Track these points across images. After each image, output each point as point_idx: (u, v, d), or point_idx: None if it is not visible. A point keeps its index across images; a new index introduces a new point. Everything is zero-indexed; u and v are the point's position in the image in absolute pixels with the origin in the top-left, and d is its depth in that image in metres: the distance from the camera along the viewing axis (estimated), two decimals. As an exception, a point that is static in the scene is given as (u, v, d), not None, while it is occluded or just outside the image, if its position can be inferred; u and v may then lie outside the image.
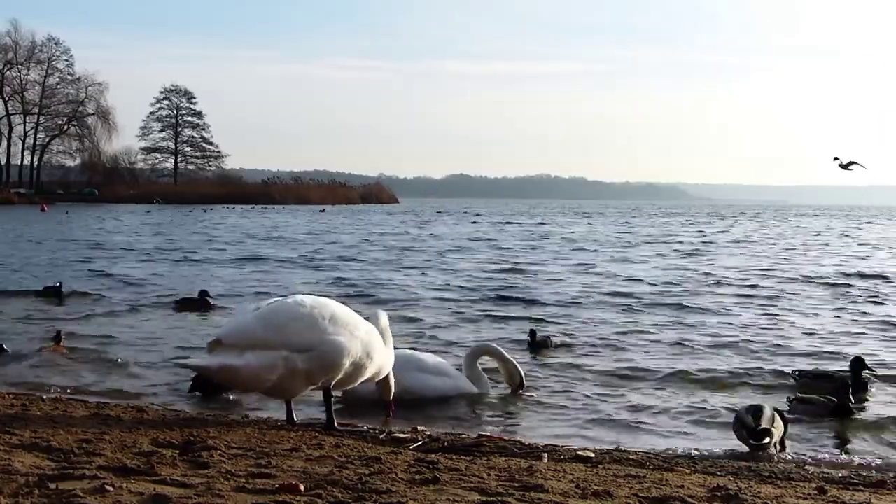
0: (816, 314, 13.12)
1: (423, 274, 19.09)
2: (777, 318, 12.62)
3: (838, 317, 12.89)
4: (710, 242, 33.85)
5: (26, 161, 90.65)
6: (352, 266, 20.95)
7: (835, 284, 17.43)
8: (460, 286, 16.43)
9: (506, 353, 7.71)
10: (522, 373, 7.65)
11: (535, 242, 32.34)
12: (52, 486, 3.84)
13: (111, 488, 3.82)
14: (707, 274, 19.44)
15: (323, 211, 72.10)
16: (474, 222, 54.69)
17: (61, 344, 9.33)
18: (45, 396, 6.84)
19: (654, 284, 17.17)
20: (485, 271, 19.70)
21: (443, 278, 18.01)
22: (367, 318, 6.13)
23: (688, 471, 5.20)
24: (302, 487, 4.00)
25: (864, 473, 5.48)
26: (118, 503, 3.67)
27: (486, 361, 7.79)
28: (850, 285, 17.25)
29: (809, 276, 18.87)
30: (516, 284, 16.85)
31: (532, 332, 9.92)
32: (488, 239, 34.52)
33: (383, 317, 6.29)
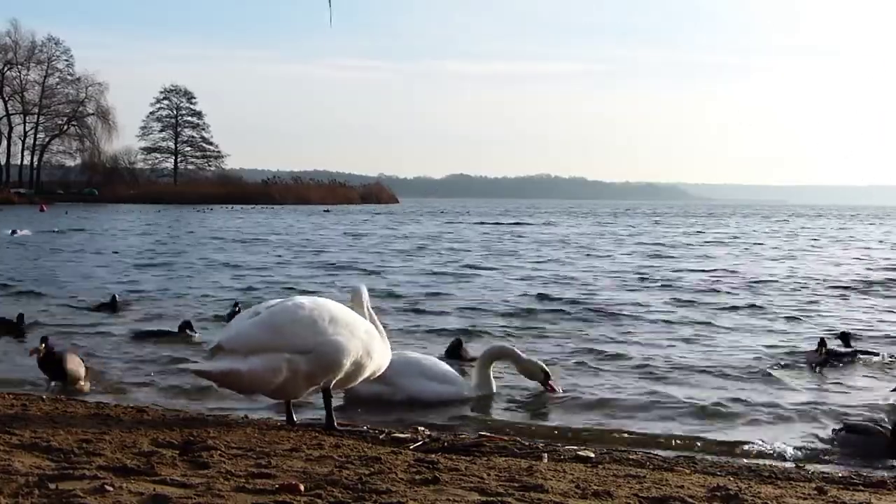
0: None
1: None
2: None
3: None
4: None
5: (26, 161, 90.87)
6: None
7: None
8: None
9: (519, 353, 7.72)
10: (543, 365, 7.65)
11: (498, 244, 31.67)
12: (52, 486, 3.84)
13: (111, 488, 3.82)
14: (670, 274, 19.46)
15: (327, 211, 72.11)
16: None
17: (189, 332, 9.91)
18: (44, 396, 6.84)
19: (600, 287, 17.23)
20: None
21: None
22: (350, 297, 6.22)
23: (688, 471, 5.20)
24: (302, 487, 4.00)
25: (864, 473, 5.48)
26: (118, 503, 3.67)
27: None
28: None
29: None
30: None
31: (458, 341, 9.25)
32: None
33: (364, 292, 6.27)
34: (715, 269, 20.65)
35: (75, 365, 7.54)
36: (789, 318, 12.63)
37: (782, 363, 9.09)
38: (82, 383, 7.59)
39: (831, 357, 8.88)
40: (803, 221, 66.09)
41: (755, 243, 33.62)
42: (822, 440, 6.37)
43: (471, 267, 21.16)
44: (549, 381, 7.61)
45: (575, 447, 5.84)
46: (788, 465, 5.69)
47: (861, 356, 9.03)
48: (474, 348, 9.16)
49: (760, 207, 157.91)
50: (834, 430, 6.36)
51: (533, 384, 7.68)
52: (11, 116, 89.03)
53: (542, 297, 14.74)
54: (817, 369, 8.75)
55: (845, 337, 9.33)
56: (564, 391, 7.71)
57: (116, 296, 12.94)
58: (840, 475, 5.38)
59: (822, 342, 9.11)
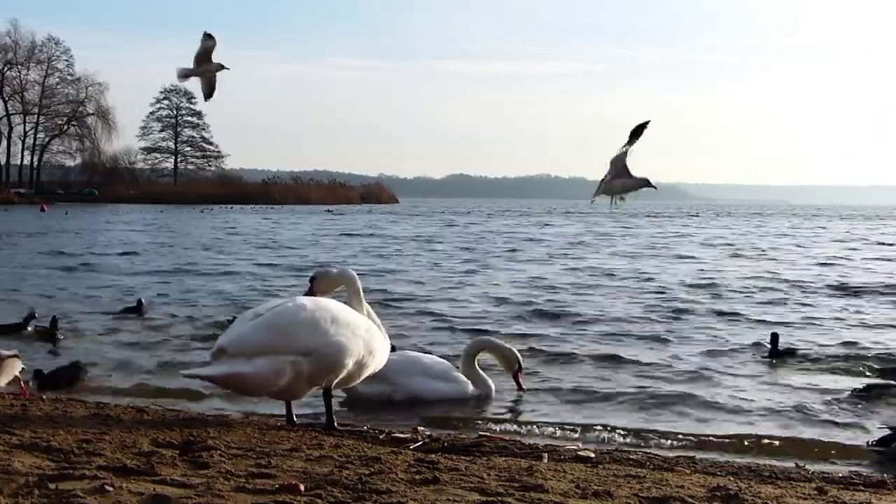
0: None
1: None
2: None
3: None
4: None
5: (26, 161, 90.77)
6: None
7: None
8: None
9: (500, 342, 7.77)
10: (520, 356, 7.66)
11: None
12: (52, 486, 3.84)
13: (111, 488, 3.82)
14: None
15: (330, 211, 71.97)
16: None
17: None
18: (44, 396, 6.84)
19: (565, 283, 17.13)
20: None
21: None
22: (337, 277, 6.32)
23: (688, 471, 5.21)
24: (302, 487, 4.00)
25: (864, 473, 5.48)
26: (118, 503, 3.67)
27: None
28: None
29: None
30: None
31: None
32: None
33: (356, 279, 6.30)
34: (692, 270, 20.19)
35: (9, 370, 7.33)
36: (750, 320, 12.29)
37: (739, 363, 9.11)
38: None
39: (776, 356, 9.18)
40: (797, 221, 65.47)
41: (737, 244, 33.02)
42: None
43: (447, 269, 20.50)
44: (519, 375, 7.60)
45: (575, 447, 5.85)
46: (788, 464, 5.69)
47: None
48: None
49: (760, 207, 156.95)
50: (874, 440, 6.06)
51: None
52: (11, 116, 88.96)
53: (506, 301, 14.17)
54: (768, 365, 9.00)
55: (775, 338, 9.36)
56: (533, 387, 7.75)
57: (142, 300, 12.40)
58: (840, 475, 5.38)
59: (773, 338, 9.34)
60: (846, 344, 10.28)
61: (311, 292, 6.32)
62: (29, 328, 10.38)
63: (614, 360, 9.22)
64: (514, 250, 27.61)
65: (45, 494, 3.72)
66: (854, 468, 5.70)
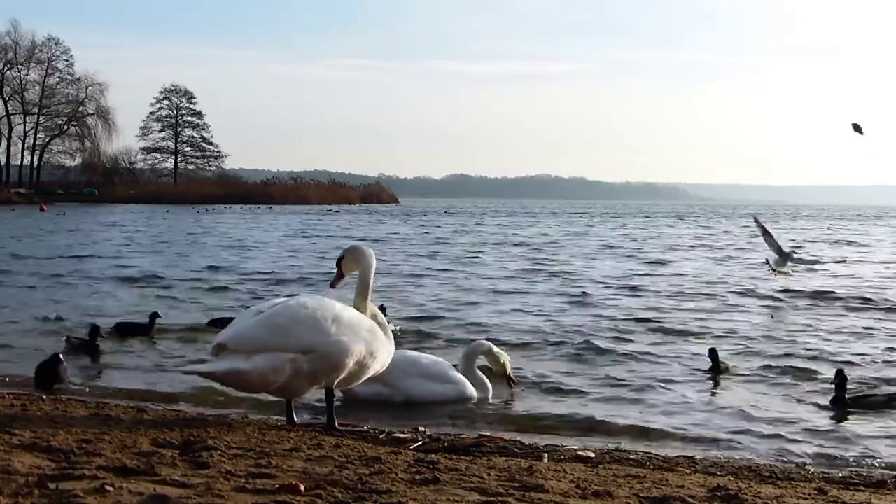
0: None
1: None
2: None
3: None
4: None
5: (26, 161, 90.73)
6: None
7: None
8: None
9: (497, 348, 7.75)
10: (509, 361, 7.63)
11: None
12: (52, 486, 3.84)
13: (111, 488, 3.82)
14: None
15: (330, 211, 71.81)
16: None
17: None
18: (44, 396, 6.83)
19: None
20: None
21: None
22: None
23: (688, 471, 5.21)
24: (302, 487, 4.00)
25: (864, 473, 5.48)
26: (118, 503, 3.67)
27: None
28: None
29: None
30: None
31: None
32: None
33: (372, 264, 6.18)
34: (661, 274, 19.55)
35: None
36: (681, 331, 11.29)
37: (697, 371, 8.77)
38: None
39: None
40: (789, 222, 64.86)
41: (712, 245, 32.23)
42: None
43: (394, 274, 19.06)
44: (510, 374, 7.62)
45: (575, 447, 5.85)
46: (788, 465, 5.69)
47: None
48: None
49: (758, 207, 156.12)
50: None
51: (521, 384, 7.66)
52: (11, 116, 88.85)
53: (431, 317, 12.27)
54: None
55: (714, 353, 8.71)
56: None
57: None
58: (840, 475, 5.38)
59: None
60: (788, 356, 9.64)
61: (339, 273, 6.30)
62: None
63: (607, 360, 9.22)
64: (478, 251, 27.10)
65: (45, 494, 3.72)
66: (854, 468, 5.70)
